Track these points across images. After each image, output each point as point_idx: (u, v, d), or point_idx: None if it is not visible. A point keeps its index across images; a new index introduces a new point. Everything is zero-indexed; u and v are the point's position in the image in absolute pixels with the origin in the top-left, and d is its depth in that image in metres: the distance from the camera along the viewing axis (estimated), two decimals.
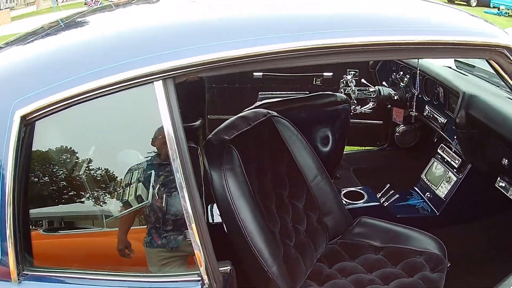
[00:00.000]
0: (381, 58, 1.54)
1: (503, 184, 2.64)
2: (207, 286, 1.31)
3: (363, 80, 3.57)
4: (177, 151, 1.29)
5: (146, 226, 1.51)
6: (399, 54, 1.55)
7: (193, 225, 1.29)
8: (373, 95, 3.42)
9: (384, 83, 3.66)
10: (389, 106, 3.64)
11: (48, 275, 1.33)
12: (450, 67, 3.21)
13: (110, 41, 1.43)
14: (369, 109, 3.51)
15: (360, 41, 1.40)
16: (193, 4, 1.67)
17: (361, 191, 3.18)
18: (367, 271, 2.22)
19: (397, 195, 3.19)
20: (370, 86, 3.49)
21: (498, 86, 2.79)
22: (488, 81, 2.91)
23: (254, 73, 3.67)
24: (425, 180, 3.35)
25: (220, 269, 1.35)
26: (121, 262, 1.44)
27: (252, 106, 2.63)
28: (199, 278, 1.30)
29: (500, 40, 1.56)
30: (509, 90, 2.06)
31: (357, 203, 3.09)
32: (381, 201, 3.14)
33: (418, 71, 3.04)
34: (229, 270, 1.40)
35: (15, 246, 1.29)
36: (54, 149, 1.43)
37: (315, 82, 3.75)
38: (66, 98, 1.26)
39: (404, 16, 1.65)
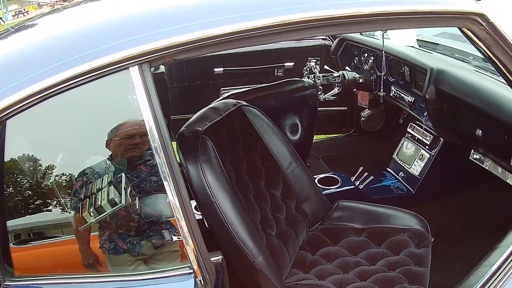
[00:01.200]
0: (360, 30, 1.52)
1: (478, 156, 2.66)
2: (200, 278, 1.25)
3: (326, 67, 3.57)
4: (159, 141, 1.22)
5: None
6: (378, 25, 1.54)
7: (181, 216, 1.23)
8: (338, 80, 3.42)
9: (347, 68, 3.68)
10: (355, 90, 3.65)
11: (30, 284, 1.25)
12: (413, 47, 3.23)
13: (78, 31, 1.36)
14: (333, 95, 3.50)
15: (339, 14, 1.38)
16: None
17: (335, 176, 3.18)
18: (351, 254, 2.21)
19: (372, 177, 3.20)
20: (334, 72, 3.48)
21: (463, 61, 2.82)
22: (452, 57, 2.94)
23: (215, 69, 3.64)
24: (397, 160, 3.38)
25: (211, 259, 1.30)
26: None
27: (220, 98, 2.59)
28: (191, 271, 1.25)
29: (474, 8, 1.57)
30: (482, 58, 2.08)
31: (332, 188, 3.08)
32: (356, 184, 3.15)
33: (383, 52, 3.05)
34: (220, 260, 1.35)
35: None
36: (28, 151, 1.34)
37: (277, 73, 3.73)
38: (38, 91, 1.18)
39: None
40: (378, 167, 3.44)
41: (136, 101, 1.23)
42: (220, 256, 1.36)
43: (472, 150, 2.71)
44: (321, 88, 3.34)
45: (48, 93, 1.18)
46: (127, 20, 1.34)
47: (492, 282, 1.48)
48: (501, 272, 1.49)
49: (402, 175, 3.28)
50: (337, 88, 3.45)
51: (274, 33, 1.29)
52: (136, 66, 1.21)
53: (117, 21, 1.34)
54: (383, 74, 3.16)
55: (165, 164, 1.23)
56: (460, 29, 1.61)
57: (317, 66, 3.33)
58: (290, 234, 2.25)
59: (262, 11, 1.29)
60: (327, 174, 3.22)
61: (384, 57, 3.09)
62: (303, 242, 2.30)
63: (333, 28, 1.45)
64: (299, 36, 1.40)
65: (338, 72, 3.47)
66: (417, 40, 3.26)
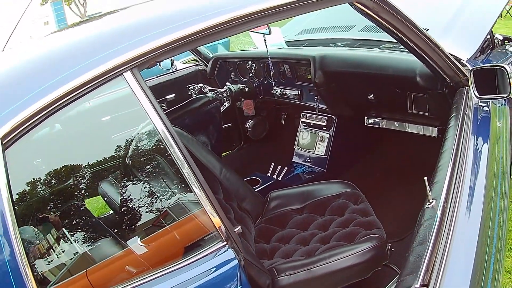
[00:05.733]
0: (283, 18, 1.71)
1: (372, 120, 3.03)
2: (232, 248, 1.41)
3: (209, 88, 3.77)
4: (168, 135, 1.36)
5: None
6: (292, 12, 1.77)
7: (207, 202, 1.40)
8: (226, 94, 3.64)
9: (228, 83, 3.89)
10: (243, 99, 3.87)
11: None
12: (283, 47, 3.56)
13: (69, 47, 1.44)
14: (225, 109, 3.70)
15: (269, 6, 1.62)
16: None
17: (254, 177, 3.39)
18: (303, 230, 2.39)
19: (286, 167, 3.45)
20: (219, 89, 3.70)
21: (334, 46, 3.21)
22: (322, 45, 3.31)
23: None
24: (299, 149, 3.66)
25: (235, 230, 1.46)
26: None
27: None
28: (224, 243, 1.40)
29: None
30: (352, 39, 2.39)
31: (257, 188, 3.28)
32: (275, 178, 3.37)
33: (269, 57, 3.35)
34: (240, 230, 1.50)
35: None
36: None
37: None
38: (43, 108, 1.21)
39: None
40: (284, 163, 3.67)
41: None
42: (239, 227, 1.51)
43: (366, 117, 3.07)
44: None
45: (53, 108, 1.23)
46: (112, 33, 1.45)
47: None
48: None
49: (309, 160, 3.56)
50: (227, 102, 3.67)
51: (236, 25, 1.53)
52: (129, 71, 1.34)
53: (103, 34, 1.45)
54: (272, 74, 3.43)
55: (179, 152, 1.36)
56: (351, 4, 1.90)
57: (206, 86, 3.54)
58: (245, 231, 2.40)
59: (204, 15, 1.50)
60: (246, 179, 3.40)
61: (270, 61, 3.38)
62: (255, 236, 2.45)
63: (257, 21, 1.65)
64: (250, 27, 1.60)
65: (223, 88, 3.70)
66: (286, 42, 3.62)
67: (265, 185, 3.31)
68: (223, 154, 4.29)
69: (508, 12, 12.21)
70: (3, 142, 1.16)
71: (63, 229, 1.44)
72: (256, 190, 3.19)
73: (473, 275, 1.29)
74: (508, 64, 2.85)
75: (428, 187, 1.50)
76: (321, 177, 3.38)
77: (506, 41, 3.45)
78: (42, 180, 1.36)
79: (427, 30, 2.66)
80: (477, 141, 1.86)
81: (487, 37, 3.03)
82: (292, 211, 2.53)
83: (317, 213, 2.47)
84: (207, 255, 1.38)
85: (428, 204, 1.50)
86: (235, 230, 1.46)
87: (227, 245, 1.40)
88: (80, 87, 1.25)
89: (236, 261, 1.40)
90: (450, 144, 1.79)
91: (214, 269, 1.37)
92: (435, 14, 3.00)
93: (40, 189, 1.37)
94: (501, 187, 1.83)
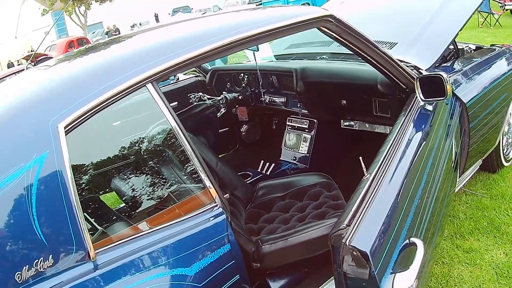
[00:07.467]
0: (265, 41, 2.23)
1: (347, 123, 3.53)
2: (221, 207, 1.93)
3: (208, 96, 4.27)
4: (178, 129, 1.89)
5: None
6: (272, 37, 2.25)
7: (201, 169, 1.92)
8: (223, 101, 4.15)
9: (224, 92, 4.40)
10: (237, 106, 4.38)
11: (114, 245, 1.71)
12: (272, 60, 4.08)
13: (110, 64, 1.94)
14: (221, 115, 4.19)
15: (254, 32, 2.13)
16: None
17: (245, 172, 3.91)
18: (285, 212, 2.87)
19: (273, 164, 3.95)
20: (217, 97, 4.21)
21: (315, 59, 3.71)
22: (306, 59, 3.82)
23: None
24: (286, 149, 4.17)
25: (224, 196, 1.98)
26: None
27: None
28: (216, 204, 1.92)
29: (325, 12, 2.35)
30: (330, 53, 2.89)
31: (248, 180, 3.79)
32: (264, 172, 3.89)
33: (258, 70, 3.88)
34: (228, 196, 2.01)
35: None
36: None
37: None
38: (94, 106, 1.69)
39: (264, 15, 2.46)
40: (273, 160, 4.16)
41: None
42: (228, 194, 2.03)
43: (342, 120, 3.57)
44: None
45: (103, 105, 1.72)
46: (138, 55, 1.97)
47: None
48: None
49: (294, 157, 4.06)
50: (223, 109, 4.17)
51: (229, 48, 2.06)
52: (150, 84, 1.85)
53: (132, 56, 1.97)
54: (261, 83, 3.95)
55: (187, 143, 1.90)
56: (318, 28, 2.36)
57: (205, 95, 4.05)
58: (236, 212, 2.89)
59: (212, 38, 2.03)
60: (239, 173, 3.86)
61: (259, 73, 3.90)
62: (245, 218, 2.91)
63: (258, 40, 2.17)
64: (240, 49, 2.15)
65: (220, 96, 4.21)
66: (274, 55, 4.13)
67: (255, 178, 3.80)
68: (219, 156, 4.74)
69: (497, 21, 12.73)
70: (65, 130, 1.63)
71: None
72: (247, 182, 3.69)
73: (386, 225, 1.79)
74: (467, 70, 3.33)
75: (363, 165, 2.01)
76: (304, 172, 3.85)
77: (479, 49, 3.91)
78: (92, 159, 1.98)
79: (395, 44, 3.15)
80: (412, 133, 2.31)
81: (450, 47, 3.49)
82: (276, 198, 2.98)
83: (297, 199, 2.93)
84: (204, 211, 1.91)
85: (365, 177, 2.01)
86: (224, 196, 1.97)
87: (218, 205, 1.93)
88: (118, 93, 1.76)
89: (224, 216, 1.92)
90: (391, 136, 2.28)
91: (212, 218, 1.90)
92: (405, 29, 3.40)
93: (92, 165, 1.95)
94: (431, 166, 2.31)
